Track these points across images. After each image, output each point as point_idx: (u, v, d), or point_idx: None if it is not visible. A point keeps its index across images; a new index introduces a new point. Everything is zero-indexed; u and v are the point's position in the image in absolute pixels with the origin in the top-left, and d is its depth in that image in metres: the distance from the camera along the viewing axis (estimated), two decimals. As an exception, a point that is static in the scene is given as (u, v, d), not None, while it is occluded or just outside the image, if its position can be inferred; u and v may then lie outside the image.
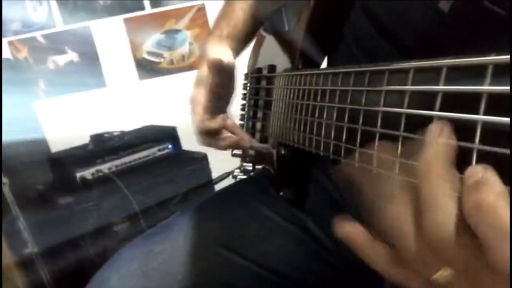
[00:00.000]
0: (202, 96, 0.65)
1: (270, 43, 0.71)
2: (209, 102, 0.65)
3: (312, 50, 0.62)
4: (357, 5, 0.56)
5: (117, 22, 2.06)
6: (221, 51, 0.65)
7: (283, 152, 0.63)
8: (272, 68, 0.66)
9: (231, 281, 0.58)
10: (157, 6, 2.09)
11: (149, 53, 2.14)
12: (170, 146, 1.85)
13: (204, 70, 0.65)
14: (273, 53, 0.68)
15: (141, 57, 2.13)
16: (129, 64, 2.12)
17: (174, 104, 2.05)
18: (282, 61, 0.65)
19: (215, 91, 0.65)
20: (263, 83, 0.67)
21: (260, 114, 0.67)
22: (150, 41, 2.12)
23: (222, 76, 0.65)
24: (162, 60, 2.15)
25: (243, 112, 0.72)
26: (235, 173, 0.71)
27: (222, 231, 0.61)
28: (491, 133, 0.22)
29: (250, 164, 0.70)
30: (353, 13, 0.57)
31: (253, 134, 0.69)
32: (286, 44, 0.67)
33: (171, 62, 2.16)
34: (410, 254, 0.25)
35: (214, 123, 0.64)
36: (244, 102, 0.71)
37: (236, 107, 0.72)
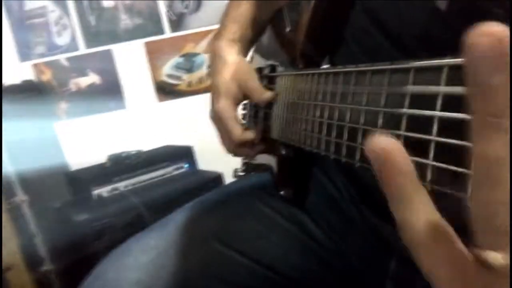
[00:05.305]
0: (231, 108, 0.65)
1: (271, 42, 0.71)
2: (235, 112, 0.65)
3: (313, 50, 0.62)
4: (357, 4, 0.57)
5: (137, 46, 2.12)
6: (238, 59, 0.66)
7: (283, 151, 0.62)
8: (273, 67, 0.67)
9: (225, 275, 0.57)
10: (177, 30, 2.15)
11: (168, 75, 2.18)
12: (186, 165, 1.86)
13: (229, 83, 0.65)
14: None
15: (160, 79, 2.17)
16: (148, 87, 2.17)
17: (191, 125, 2.09)
18: (283, 61, 0.66)
19: (241, 101, 0.66)
20: (264, 82, 0.67)
21: (261, 114, 0.67)
22: (169, 64, 2.17)
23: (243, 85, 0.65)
24: (180, 82, 2.19)
25: (244, 112, 0.72)
26: (236, 172, 0.71)
27: (218, 226, 0.61)
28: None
29: (251, 163, 0.70)
30: (353, 12, 0.57)
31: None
32: (287, 44, 0.68)
33: (189, 84, 2.20)
34: None
35: (252, 134, 0.64)
36: (245, 101, 0.71)
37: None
